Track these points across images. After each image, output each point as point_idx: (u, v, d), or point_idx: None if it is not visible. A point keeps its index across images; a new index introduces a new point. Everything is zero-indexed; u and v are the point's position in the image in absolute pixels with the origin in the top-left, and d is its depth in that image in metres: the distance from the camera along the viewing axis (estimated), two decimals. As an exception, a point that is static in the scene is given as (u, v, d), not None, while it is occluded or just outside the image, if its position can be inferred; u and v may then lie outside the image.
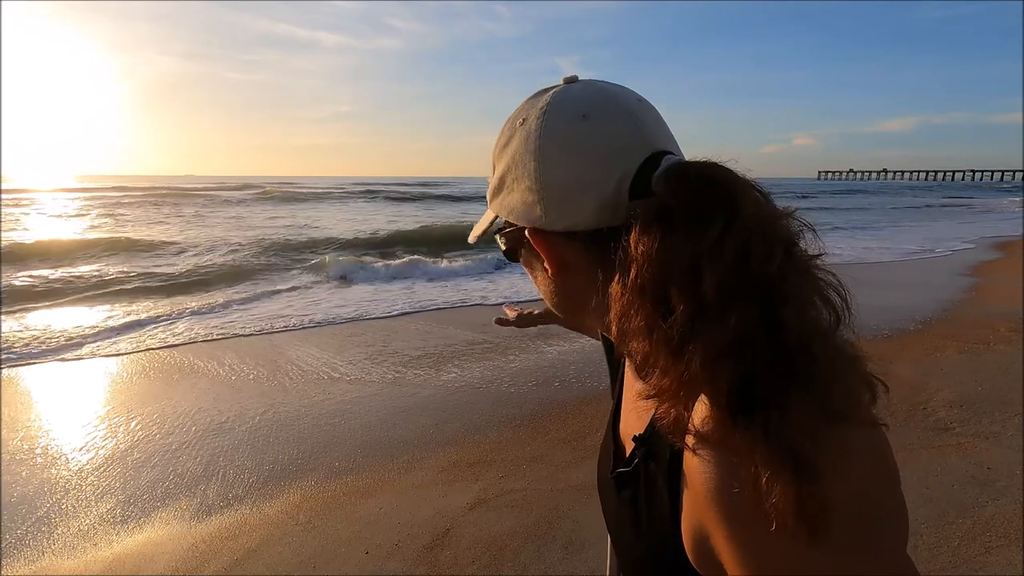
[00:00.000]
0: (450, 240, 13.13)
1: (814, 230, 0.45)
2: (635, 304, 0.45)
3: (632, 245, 0.45)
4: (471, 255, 10.54)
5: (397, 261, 10.41)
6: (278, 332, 6.13)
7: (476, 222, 0.68)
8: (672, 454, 0.48)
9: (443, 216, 21.83)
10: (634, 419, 0.60)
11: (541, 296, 0.63)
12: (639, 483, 0.54)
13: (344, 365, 5.01)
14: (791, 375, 0.39)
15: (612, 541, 0.66)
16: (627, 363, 0.69)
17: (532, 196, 0.54)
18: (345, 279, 9.14)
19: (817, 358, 0.40)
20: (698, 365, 0.40)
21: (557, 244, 0.55)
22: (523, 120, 0.55)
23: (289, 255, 11.80)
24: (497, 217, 0.61)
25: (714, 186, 0.45)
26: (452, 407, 4.08)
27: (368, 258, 10.89)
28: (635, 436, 0.55)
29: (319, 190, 37.29)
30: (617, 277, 0.47)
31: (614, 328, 0.48)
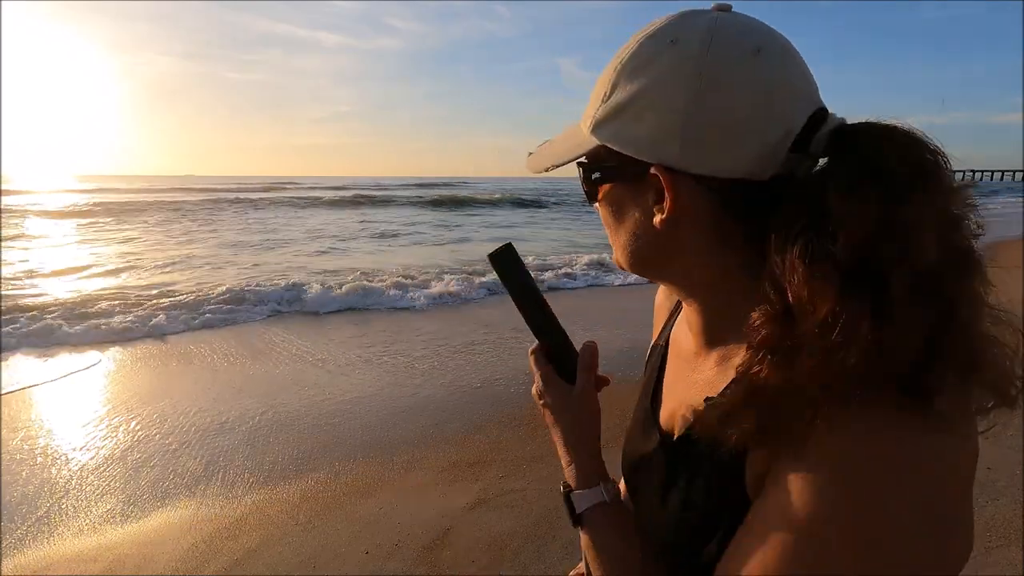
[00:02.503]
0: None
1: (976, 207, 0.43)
2: (816, 275, 0.39)
3: (836, 204, 0.40)
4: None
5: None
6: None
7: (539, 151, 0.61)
8: None
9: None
10: (689, 395, 0.58)
11: (613, 244, 0.58)
12: (701, 446, 0.50)
13: (344, 364, 5.01)
14: (963, 367, 0.38)
15: (642, 522, 0.63)
16: (678, 334, 0.67)
17: (672, 129, 0.46)
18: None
19: (976, 349, 0.39)
20: (889, 351, 0.36)
21: (685, 188, 0.48)
22: (674, 40, 0.47)
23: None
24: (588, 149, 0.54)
25: (919, 149, 0.42)
26: (452, 407, 4.08)
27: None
28: (708, 398, 0.50)
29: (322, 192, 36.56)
30: (775, 239, 0.42)
31: (711, 296, 0.51)
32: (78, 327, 5.93)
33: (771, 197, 0.46)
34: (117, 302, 7.02)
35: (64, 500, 3.01)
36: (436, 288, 7.94)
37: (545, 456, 3.30)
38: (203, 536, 2.69)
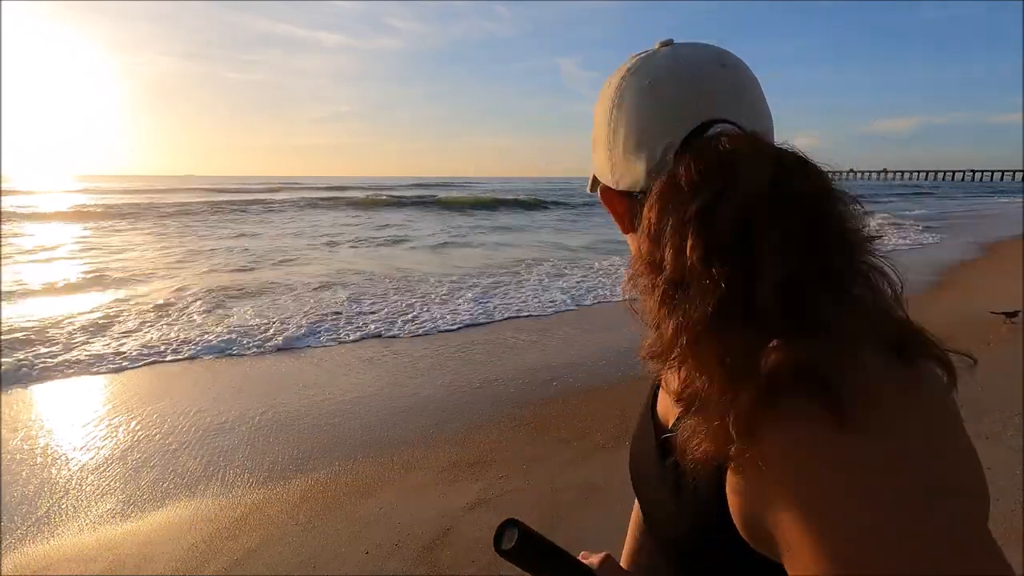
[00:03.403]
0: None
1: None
2: (639, 267, 0.48)
3: (644, 211, 0.49)
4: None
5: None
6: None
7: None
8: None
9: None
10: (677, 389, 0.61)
11: None
12: (683, 439, 0.53)
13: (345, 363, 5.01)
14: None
15: (649, 521, 0.65)
16: None
17: (605, 156, 0.57)
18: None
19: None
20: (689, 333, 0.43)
21: (622, 203, 0.58)
22: (608, 83, 0.58)
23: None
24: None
25: (721, 156, 0.46)
26: (452, 407, 4.08)
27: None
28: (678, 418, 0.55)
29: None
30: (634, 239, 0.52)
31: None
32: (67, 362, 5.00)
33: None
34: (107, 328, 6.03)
35: (64, 500, 3.01)
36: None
37: (545, 456, 3.30)
38: (203, 536, 2.69)
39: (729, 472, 0.44)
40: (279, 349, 5.46)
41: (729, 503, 0.45)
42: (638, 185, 0.55)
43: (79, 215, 20.20)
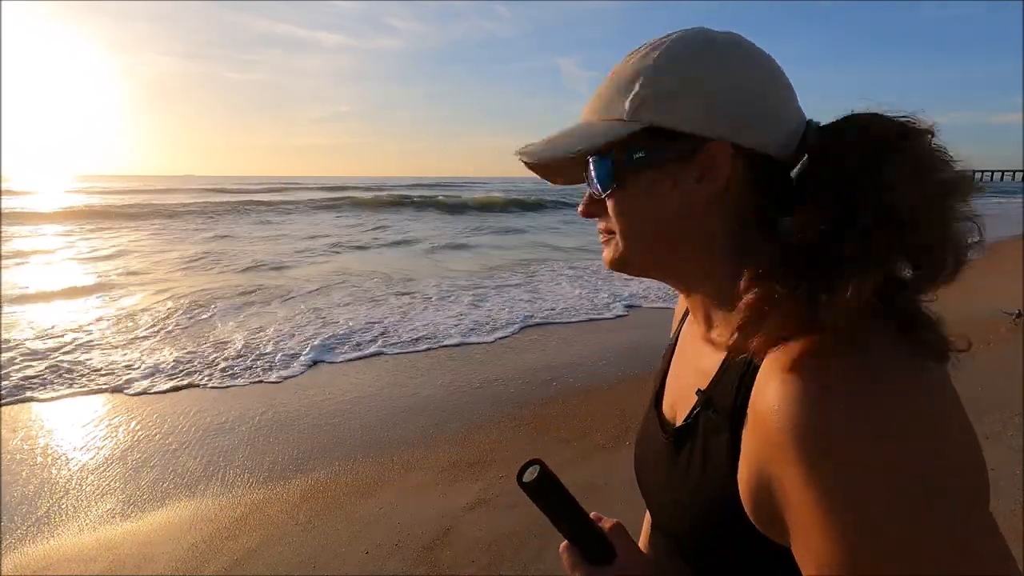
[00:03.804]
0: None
1: None
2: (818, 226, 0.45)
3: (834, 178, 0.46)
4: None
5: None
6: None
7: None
8: (736, 403, 0.50)
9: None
10: (687, 385, 0.62)
11: (621, 234, 0.58)
12: (697, 437, 0.55)
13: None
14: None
15: (657, 520, 0.66)
16: (687, 333, 0.70)
17: (723, 108, 0.52)
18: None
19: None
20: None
21: (732, 163, 0.52)
22: (709, 40, 0.54)
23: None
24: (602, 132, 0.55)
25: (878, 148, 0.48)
26: (452, 407, 4.08)
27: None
28: (698, 390, 0.57)
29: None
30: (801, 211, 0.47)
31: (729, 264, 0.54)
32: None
33: (783, 180, 0.51)
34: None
35: (64, 500, 3.01)
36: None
37: (545, 456, 3.27)
38: (203, 536, 2.69)
39: (745, 447, 0.47)
40: (284, 378, 4.73)
41: (741, 482, 0.47)
42: (773, 147, 0.52)
43: (85, 216, 19.77)
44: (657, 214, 0.56)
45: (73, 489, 3.12)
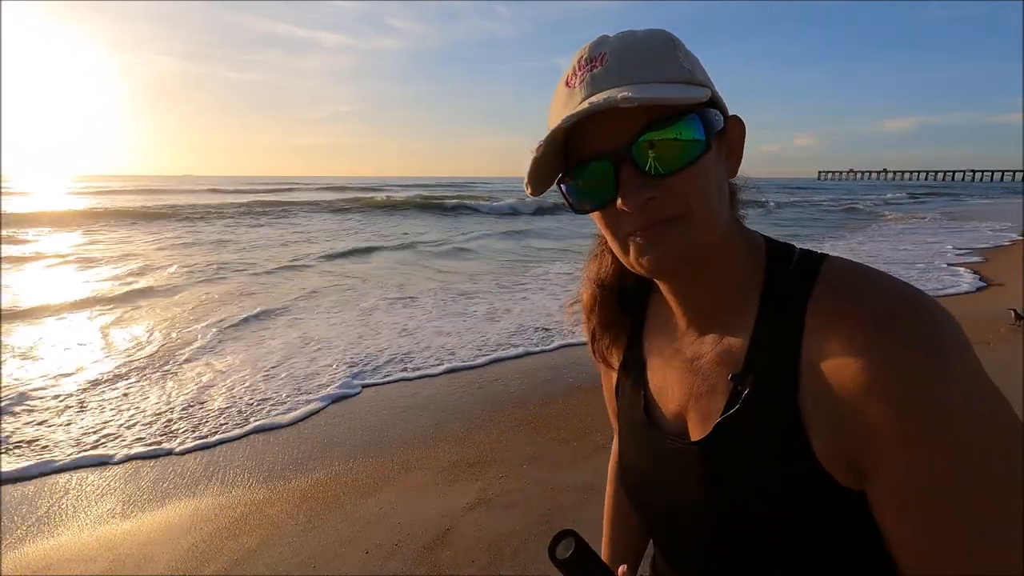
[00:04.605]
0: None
1: None
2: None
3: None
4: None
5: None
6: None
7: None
8: (785, 369, 0.51)
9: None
10: (691, 386, 0.60)
11: (698, 214, 0.51)
12: (742, 424, 0.54)
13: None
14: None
15: (685, 539, 0.61)
16: (655, 344, 0.68)
17: (713, 91, 0.54)
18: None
19: None
20: None
21: (740, 138, 0.57)
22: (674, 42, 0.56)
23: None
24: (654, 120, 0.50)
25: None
26: (452, 407, 4.08)
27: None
28: (733, 375, 0.55)
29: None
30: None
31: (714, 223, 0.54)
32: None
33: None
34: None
35: (64, 500, 3.01)
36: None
37: (545, 456, 3.30)
38: (203, 536, 2.69)
39: (816, 404, 0.49)
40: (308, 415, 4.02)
41: (817, 440, 0.49)
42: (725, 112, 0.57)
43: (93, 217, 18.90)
44: (715, 193, 0.53)
45: (73, 489, 3.12)
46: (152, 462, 3.38)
